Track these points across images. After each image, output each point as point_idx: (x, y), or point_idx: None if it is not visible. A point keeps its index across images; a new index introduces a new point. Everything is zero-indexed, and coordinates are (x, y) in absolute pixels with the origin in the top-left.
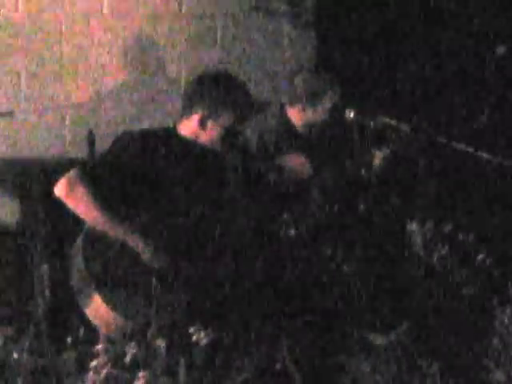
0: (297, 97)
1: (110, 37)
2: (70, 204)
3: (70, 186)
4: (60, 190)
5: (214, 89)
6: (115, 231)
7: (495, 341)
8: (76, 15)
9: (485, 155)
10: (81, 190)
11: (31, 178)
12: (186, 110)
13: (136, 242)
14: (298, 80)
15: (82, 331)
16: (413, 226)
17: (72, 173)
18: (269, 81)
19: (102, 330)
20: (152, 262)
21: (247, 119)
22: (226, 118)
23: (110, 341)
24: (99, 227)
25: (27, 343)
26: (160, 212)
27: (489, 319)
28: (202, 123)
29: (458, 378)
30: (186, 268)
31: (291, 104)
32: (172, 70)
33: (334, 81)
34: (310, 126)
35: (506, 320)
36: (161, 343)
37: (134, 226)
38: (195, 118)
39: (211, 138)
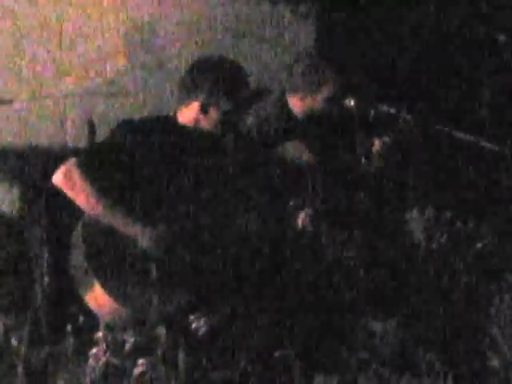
0: (296, 86)
1: (109, 24)
2: (68, 192)
3: (68, 175)
4: (58, 178)
5: (214, 73)
6: (114, 219)
7: (493, 328)
8: (75, 2)
9: (484, 143)
10: (78, 179)
11: (31, 167)
12: (185, 98)
13: (135, 230)
14: (297, 69)
15: (81, 319)
16: (412, 214)
17: (70, 161)
18: (269, 69)
19: (102, 318)
20: (152, 250)
21: (247, 101)
22: (227, 101)
23: (109, 329)
24: (97, 216)
25: (27, 331)
26: (160, 199)
27: (487, 307)
28: (204, 109)
29: (455, 365)
30: (186, 255)
31: (291, 93)
32: (172, 57)
33: (333, 70)
34: (310, 115)
35: (504, 308)
36: (160, 331)
37: (133, 213)
38: (195, 105)
39: (213, 123)
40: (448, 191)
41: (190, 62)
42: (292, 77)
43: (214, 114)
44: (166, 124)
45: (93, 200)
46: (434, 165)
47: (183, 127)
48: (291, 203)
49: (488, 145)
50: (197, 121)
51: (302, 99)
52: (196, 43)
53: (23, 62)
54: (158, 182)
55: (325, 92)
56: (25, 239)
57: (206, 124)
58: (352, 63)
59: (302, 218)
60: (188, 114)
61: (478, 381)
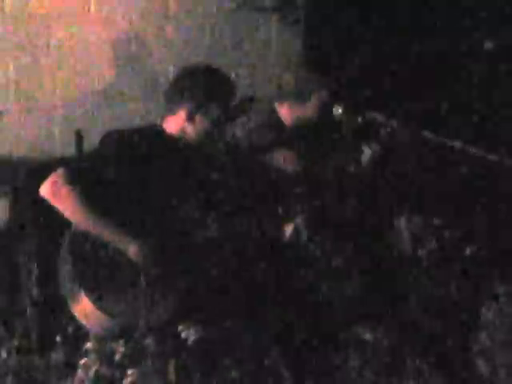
0: (285, 94)
1: (98, 35)
2: (56, 204)
3: (55, 186)
4: (45, 189)
5: (199, 81)
6: (101, 231)
7: (482, 336)
8: (64, 14)
9: (473, 150)
10: (66, 190)
11: (20, 177)
12: (172, 107)
13: (122, 241)
14: (286, 77)
15: (70, 330)
16: (401, 222)
17: (57, 173)
18: (257, 77)
19: (91, 330)
20: (139, 261)
21: (234, 110)
22: (214, 109)
23: (98, 339)
24: (85, 227)
25: (16, 343)
26: (147, 210)
27: (475, 314)
28: (190, 117)
29: (445, 372)
30: (174, 266)
31: (280, 101)
32: (160, 67)
33: (322, 78)
34: (299, 123)
35: (491, 315)
36: (149, 341)
37: (121, 224)
38: (182, 113)
39: (200, 131)
40: (437, 199)
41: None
42: (281, 85)
43: (200, 122)
44: (153, 134)
45: (79, 211)
46: (421, 172)
47: (170, 136)
48: (279, 212)
49: (477, 151)
50: (183, 129)
51: (291, 107)
52: (184, 53)
53: (12, 74)
54: (146, 192)
55: (314, 100)
56: (13, 250)
57: (192, 132)
58: (340, 71)
59: (290, 228)
60: (174, 123)
61: None
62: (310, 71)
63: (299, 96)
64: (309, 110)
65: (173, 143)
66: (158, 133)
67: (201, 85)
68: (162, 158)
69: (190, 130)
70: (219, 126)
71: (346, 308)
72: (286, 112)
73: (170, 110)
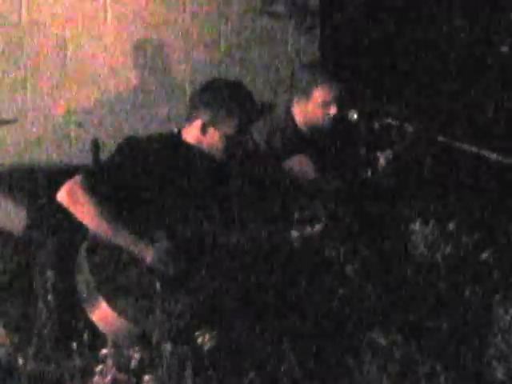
0: (295, 91)
1: (114, 42)
2: (72, 210)
3: (72, 193)
4: (62, 196)
5: (217, 96)
6: (118, 237)
7: (497, 340)
8: (80, 20)
9: (488, 154)
10: (83, 197)
11: (37, 185)
12: (190, 116)
13: (139, 248)
14: (295, 73)
15: (87, 336)
16: (416, 226)
17: (74, 179)
18: (272, 83)
19: (108, 336)
20: (156, 267)
21: (250, 128)
22: (227, 126)
23: (115, 345)
24: (102, 233)
25: (32, 349)
26: (164, 217)
27: (491, 318)
28: (203, 129)
29: (460, 376)
30: (191, 272)
31: (292, 101)
32: (178, 74)
33: (326, 76)
34: (309, 124)
35: (508, 319)
36: (166, 347)
37: (137, 231)
38: (197, 124)
39: (212, 144)
40: (452, 203)
41: (195, 80)
42: (293, 84)
43: (213, 135)
44: (170, 141)
45: (96, 218)
46: (437, 176)
47: (186, 145)
48: (296, 217)
49: (491, 155)
50: (199, 139)
51: (298, 103)
52: (201, 60)
53: (29, 81)
54: (162, 199)
55: (316, 97)
56: (31, 256)
57: (206, 144)
58: (355, 77)
59: (306, 233)
60: (191, 132)
61: None
62: (315, 68)
63: (302, 90)
64: (313, 106)
65: (189, 152)
66: (174, 141)
67: (217, 99)
68: (178, 166)
69: (204, 140)
70: (233, 140)
71: (361, 313)
72: (296, 111)
73: (189, 120)
